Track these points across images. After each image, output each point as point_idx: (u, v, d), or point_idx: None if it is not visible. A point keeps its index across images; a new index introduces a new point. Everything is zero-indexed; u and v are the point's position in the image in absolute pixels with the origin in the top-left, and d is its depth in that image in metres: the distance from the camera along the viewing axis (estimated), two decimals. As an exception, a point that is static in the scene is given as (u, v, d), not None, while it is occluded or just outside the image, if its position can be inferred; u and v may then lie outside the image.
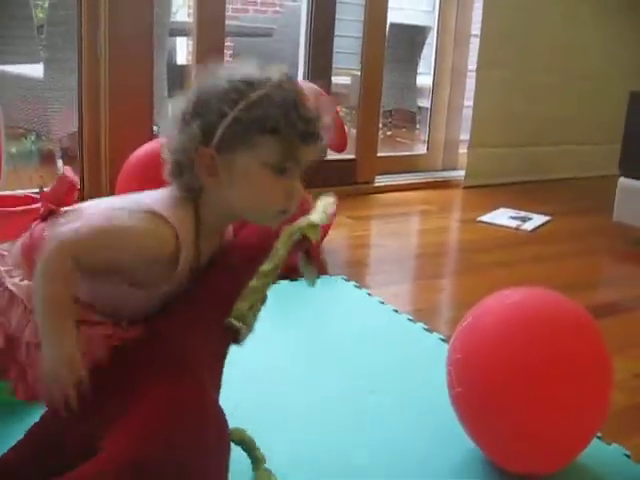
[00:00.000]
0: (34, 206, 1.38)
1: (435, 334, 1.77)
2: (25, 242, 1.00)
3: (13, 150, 3.56)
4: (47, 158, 3.69)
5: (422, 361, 1.64)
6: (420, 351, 1.70)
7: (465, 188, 3.51)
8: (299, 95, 0.96)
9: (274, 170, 0.95)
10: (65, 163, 3.43)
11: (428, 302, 2.06)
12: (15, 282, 0.96)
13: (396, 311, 1.91)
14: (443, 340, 1.73)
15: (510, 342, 1.15)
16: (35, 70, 3.40)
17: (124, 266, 0.94)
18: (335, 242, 2.38)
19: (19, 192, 1.45)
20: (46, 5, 4.37)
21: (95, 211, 0.98)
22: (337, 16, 3.17)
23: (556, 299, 1.23)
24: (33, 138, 3.98)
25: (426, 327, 1.81)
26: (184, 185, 0.98)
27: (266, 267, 1.00)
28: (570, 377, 1.13)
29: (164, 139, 1.00)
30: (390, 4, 3.34)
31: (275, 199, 0.97)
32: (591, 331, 1.19)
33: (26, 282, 0.95)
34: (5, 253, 1.01)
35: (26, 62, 3.77)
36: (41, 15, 4.93)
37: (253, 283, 1.00)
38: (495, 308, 1.24)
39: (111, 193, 2.51)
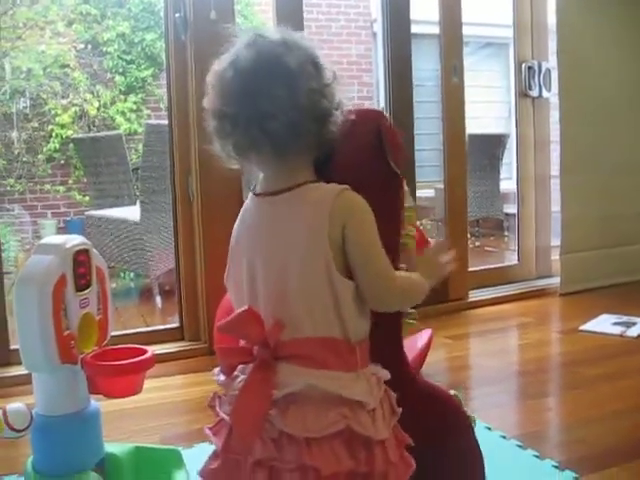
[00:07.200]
0: (142, 358, 1.42)
1: (547, 461, 1.70)
2: None
3: (113, 286, 3.71)
4: (146, 295, 3.82)
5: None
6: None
7: (562, 295, 3.42)
8: None
9: None
10: (162, 299, 3.55)
11: (536, 424, 1.98)
12: None
13: (504, 437, 1.84)
14: (556, 467, 1.65)
15: None
16: (132, 212, 3.58)
17: None
18: (435, 365, 2.34)
19: (125, 345, 1.49)
20: (139, 148, 4.64)
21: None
22: (416, 131, 3.24)
23: None
24: (132, 276, 4.15)
25: (536, 454, 1.74)
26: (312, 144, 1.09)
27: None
28: None
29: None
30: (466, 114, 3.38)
31: None
32: None
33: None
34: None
35: (123, 205, 4.00)
36: (135, 157, 5.23)
37: None
38: None
39: (209, 328, 2.57)
